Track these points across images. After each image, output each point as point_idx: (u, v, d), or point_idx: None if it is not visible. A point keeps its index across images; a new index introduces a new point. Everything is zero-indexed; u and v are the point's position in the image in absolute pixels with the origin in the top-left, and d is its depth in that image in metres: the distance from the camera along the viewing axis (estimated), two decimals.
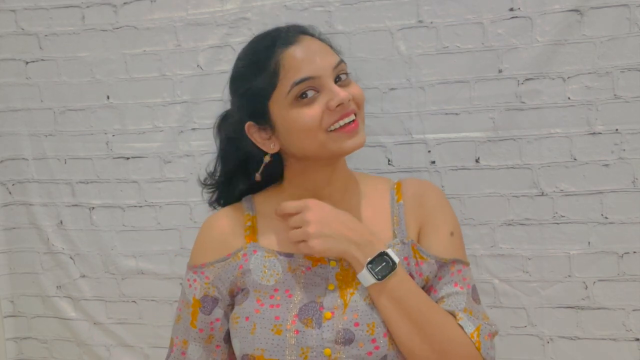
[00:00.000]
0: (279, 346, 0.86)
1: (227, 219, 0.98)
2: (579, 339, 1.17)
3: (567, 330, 1.17)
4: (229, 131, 0.97)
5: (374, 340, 0.86)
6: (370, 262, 0.86)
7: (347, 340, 0.86)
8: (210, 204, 1.05)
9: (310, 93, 0.86)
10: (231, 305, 0.96)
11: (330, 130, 0.87)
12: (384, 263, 0.87)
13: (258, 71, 0.88)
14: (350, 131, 0.88)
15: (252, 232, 0.96)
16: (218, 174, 1.02)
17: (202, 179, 1.04)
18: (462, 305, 0.89)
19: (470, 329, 0.87)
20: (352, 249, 0.87)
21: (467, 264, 0.94)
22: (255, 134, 0.93)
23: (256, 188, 1.01)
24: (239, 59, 0.95)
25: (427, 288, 0.93)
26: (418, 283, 0.91)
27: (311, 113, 0.86)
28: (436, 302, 0.90)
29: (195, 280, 0.95)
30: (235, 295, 0.95)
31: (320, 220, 0.87)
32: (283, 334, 0.86)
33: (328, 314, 0.88)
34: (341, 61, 0.90)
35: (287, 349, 0.86)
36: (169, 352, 0.99)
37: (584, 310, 1.16)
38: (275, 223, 0.95)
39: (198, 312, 0.95)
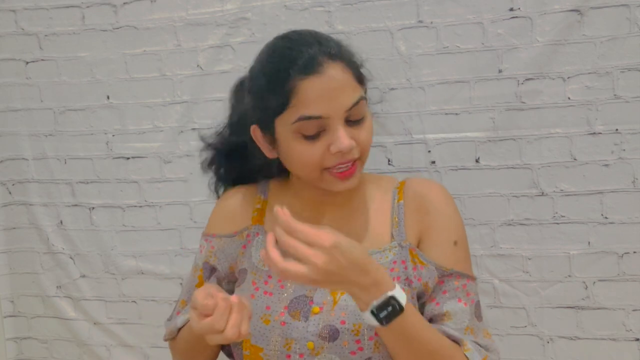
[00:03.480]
0: (264, 335, 0.88)
1: (240, 195, 1.02)
2: (579, 339, 1.17)
3: (567, 330, 1.17)
4: (240, 116, 0.98)
5: (358, 341, 0.85)
6: (375, 307, 0.76)
7: (331, 336, 0.86)
8: (208, 169, 1.07)
9: (314, 130, 0.84)
10: (228, 279, 0.99)
11: (325, 168, 0.86)
12: (390, 308, 0.76)
13: (272, 89, 0.85)
14: (343, 177, 0.87)
15: (260, 214, 0.98)
16: (224, 139, 1.03)
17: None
18: (465, 323, 0.88)
19: None
20: (356, 291, 0.76)
21: (472, 278, 0.92)
22: (259, 137, 0.92)
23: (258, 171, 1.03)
24: (260, 61, 0.91)
25: (428, 298, 0.91)
26: (416, 287, 0.89)
27: (311, 151, 0.85)
28: (437, 315, 0.89)
29: (204, 247, 1.01)
30: (235, 272, 0.98)
31: (328, 271, 0.73)
32: (270, 324, 0.88)
33: (316, 309, 0.88)
34: (360, 99, 0.85)
35: (272, 339, 0.88)
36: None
37: (584, 310, 1.16)
38: None
39: (203, 277, 1.00)
